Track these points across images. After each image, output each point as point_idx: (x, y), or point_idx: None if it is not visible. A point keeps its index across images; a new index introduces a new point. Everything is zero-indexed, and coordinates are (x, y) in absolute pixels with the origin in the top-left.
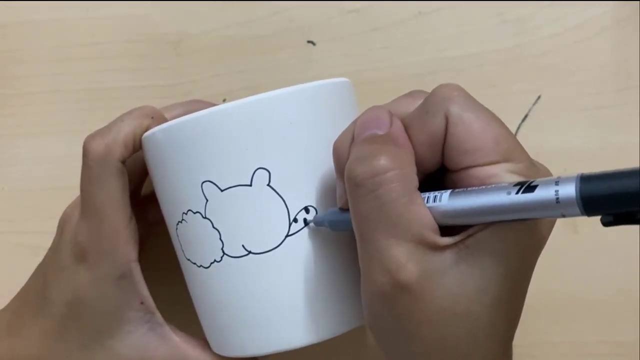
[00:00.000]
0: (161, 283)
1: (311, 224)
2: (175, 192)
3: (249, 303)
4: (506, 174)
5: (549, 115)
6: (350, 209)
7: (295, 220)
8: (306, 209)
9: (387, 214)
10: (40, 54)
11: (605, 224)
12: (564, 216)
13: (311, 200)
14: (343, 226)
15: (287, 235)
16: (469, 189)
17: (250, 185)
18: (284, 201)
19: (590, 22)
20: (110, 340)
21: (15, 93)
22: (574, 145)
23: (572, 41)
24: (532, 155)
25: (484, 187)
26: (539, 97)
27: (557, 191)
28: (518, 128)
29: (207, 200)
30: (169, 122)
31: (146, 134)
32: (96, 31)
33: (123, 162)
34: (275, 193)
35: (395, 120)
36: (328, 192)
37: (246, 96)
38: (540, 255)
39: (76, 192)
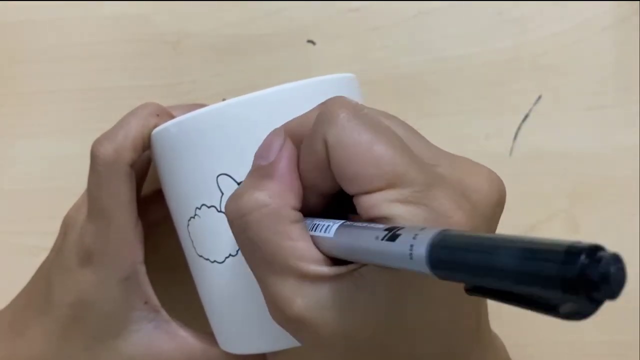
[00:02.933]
0: (163, 282)
1: None
2: (188, 187)
3: (262, 298)
4: (389, 203)
5: (549, 115)
6: None
7: None
8: None
9: (262, 252)
10: (40, 54)
11: (467, 290)
12: (422, 272)
13: None
14: None
15: None
16: (354, 223)
17: None
18: None
19: (590, 22)
20: (115, 340)
21: (15, 93)
22: (574, 145)
23: (572, 41)
24: (532, 155)
25: (364, 225)
26: (539, 97)
27: (412, 247)
28: (518, 128)
29: (222, 194)
30: (183, 116)
31: (157, 129)
32: (96, 31)
33: (132, 165)
34: None
35: (286, 145)
36: None
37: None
38: None
39: (76, 192)
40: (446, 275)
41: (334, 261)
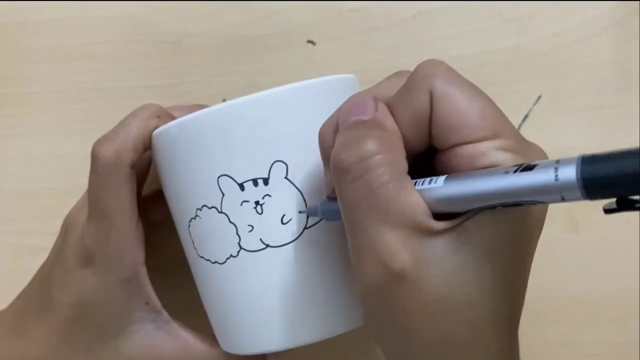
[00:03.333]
0: (163, 283)
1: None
2: (189, 188)
3: (266, 297)
4: (495, 151)
5: (549, 115)
6: (338, 197)
7: None
8: None
9: (377, 200)
10: (40, 54)
11: (608, 211)
12: (564, 200)
13: (328, 192)
14: (334, 216)
15: (305, 228)
16: (464, 173)
17: (268, 178)
18: (301, 193)
19: (590, 22)
20: (116, 340)
21: (15, 93)
22: (575, 145)
23: (572, 41)
24: None
25: (480, 170)
26: (539, 97)
27: (556, 169)
28: (518, 128)
29: (223, 195)
30: (183, 118)
31: (157, 130)
32: (96, 31)
33: (132, 166)
34: (292, 185)
35: (380, 104)
36: None
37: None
38: (541, 255)
39: (76, 192)
40: (600, 192)
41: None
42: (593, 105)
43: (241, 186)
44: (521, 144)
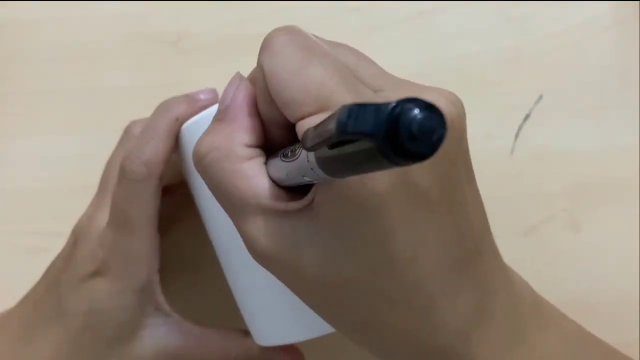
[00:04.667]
0: (171, 284)
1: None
2: None
3: None
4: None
5: (550, 115)
6: None
7: None
8: None
9: (221, 195)
10: (40, 53)
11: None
12: (324, 179)
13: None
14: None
15: None
16: (280, 155)
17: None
18: None
19: (591, 22)
20: (126, 345)
21: (15, 93)
22: (575, 145)
23: (572, 41)
24: (532, 155)
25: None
26: (540, 97)
27: (307, 156)
28: (519, 128)
29: None
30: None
31: (211, 109)
32: (96, 30)
33: (161, 178)
34: None
35: (240, 86)
36: None
37: None
38: (541, 255)
39: (76, 192)
40: (339, 172)
41: (299, 197)
42: (593, 105)
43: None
44: None
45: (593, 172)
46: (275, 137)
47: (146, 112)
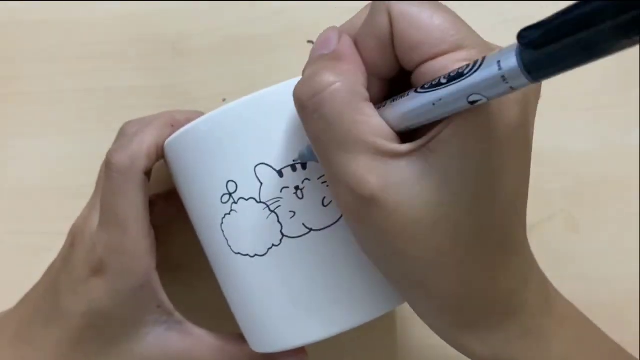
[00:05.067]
0: (174, 283)
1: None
2: (220, 184)
3: (309, 283)
4: (457, 63)
5: (549, 115)
6: (305, 133)
7: None
8: None
9: (335, 130)
10: (40, 54)
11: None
12: (512, 89)
13: None
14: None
15: None
16: (418, 88)
17: (306, 162)
18: None
19: None
20: (127, 344)
21: (15, 93)
22: (575, 145)
23: None
24: (533, 155)
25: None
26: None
27: (499, 62)
28: None
29: (261, 184)
30: (213, 113)
31: (183, 130)
32: (96, 31)
33: (146, 173)
34: None
35: (343, 36)
36: None
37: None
38: (541, 255)
39: (76, 192)
40: (543, 73)
41: (407, 141)
42: (593, 105)
43: (280, 173)
44: (485, 52)
45: (592, 172)
46: (370, 92)
47: (146, 113)
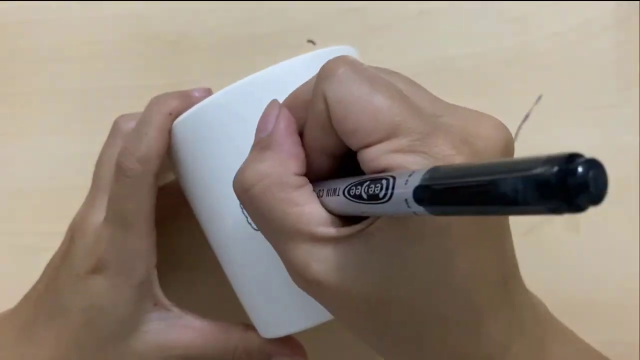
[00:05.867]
0: (171, 280)
1: None
2: (244, 158)
3: None
4: (387, 155)
5: (549, 116)
6: None
7: None
8: None
9: (271, 222)
10: (40, 53)
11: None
12: (416, 214)
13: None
14: None
15: None
16: (345, 191)
17: None
18: None
19: (591, 22)
20: (127, 340)
21: (15, 93)
22: (575, 146)
23: (572, 41)
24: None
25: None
26: (539, 97)
27: (407, 202)
28: (519, 128)
29: None
30: (221, 91)
31: (190, 112)
32: (96, 31)
33: (156, 174)
34: None
35: (280, 118)
36: None
37: None
38: (541, 255)
39: (76, 192)
40: (433, 206)
41: (350, 222)
42: (593, 105)
43: None
44: (420, 140)
45: None
46: (320, 166)
47: None
